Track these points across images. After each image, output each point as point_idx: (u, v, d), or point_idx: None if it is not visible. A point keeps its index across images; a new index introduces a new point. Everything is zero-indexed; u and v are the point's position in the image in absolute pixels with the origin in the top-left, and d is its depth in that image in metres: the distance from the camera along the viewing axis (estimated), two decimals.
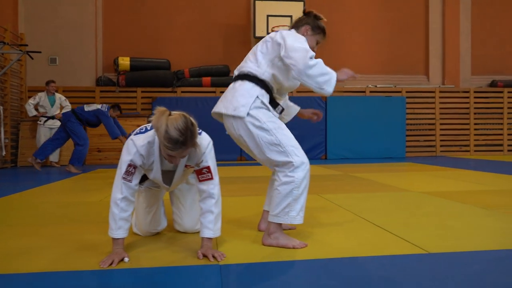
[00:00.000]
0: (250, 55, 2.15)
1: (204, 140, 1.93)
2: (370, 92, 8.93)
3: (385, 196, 3.50)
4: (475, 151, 9.18)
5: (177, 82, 8.46)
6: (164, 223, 2.25)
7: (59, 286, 1.51)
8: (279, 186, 1.96)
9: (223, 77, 8.54)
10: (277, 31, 2.13)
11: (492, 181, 4.26)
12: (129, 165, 1.83)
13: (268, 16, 8.30)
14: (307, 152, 7.57)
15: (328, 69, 2.02)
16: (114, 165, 2.21)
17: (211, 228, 1.85)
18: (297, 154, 2.00)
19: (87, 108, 6.12)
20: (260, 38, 8.67)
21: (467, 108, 9.15)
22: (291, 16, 8.35)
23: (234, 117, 2.02)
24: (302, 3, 8.38)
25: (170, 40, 8.75)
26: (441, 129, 9.09)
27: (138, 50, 8.57)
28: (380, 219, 2.54)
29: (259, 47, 2.12)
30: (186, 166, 1.96)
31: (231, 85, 2.16)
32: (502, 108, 9.23)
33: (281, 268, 1.69)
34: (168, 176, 1.99)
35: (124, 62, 8.18)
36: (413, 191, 3.75)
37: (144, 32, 8.67)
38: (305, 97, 8.48)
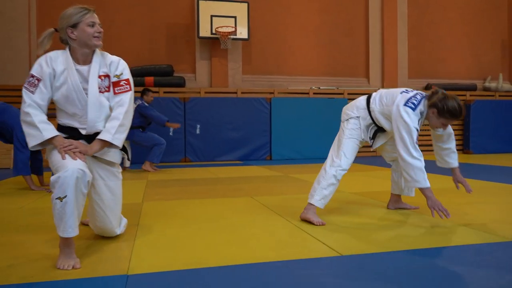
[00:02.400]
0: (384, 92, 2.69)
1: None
2: (314, 93, 9.12)
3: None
4: None
5: None
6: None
7: None
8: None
9: (167, 77, 8.38)
10: (397, 102, 2.52)
11: None
12: (32, 76, 1.90)
13: (212, 16, 8.25)
14: (251, 153, 7.56)
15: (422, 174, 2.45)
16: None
17: (111, 133, 1.91)
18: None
19: None
20: (204, 38, 8.66)
21: None
22: (235, 17, 8.35)
23: None
24: (246, 4, 8.40)
25: (110, 38, 8.44)
26: None
27: None
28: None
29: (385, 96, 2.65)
30: (100, 77, 1.97)
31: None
32: None
33: (193, 276, 1.66)
34: (83, 98, 1.96)
35: None
36: (344, 191, 3.86)
37: None
38: (249, 98, 8.51)
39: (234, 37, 8.37)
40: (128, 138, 6.11)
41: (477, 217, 2.67)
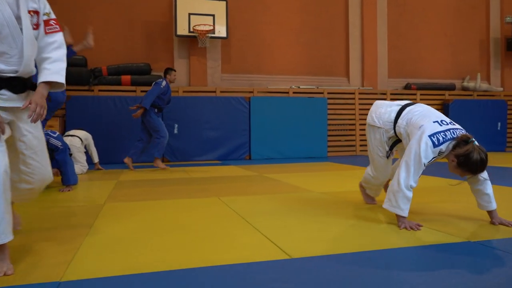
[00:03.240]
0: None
1: None
2: (293, 93, 9.08)
3: (283, 197, 3.51)
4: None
5: (93, 80, 8.04)
6: None
7: None
8: None
9: (144, 76, 8.25)
10: (424, 128, 2.38)
11: None
12: None
13: (190, 14, 8.14)
14: (231, 152, 7.49)
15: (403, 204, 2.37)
16: None
17: (63, 75, 1.86)
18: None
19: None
20: (182, 36, 8.55)
21: None
22: (213, 16, 8.26)
23: None
24: (224, 2, 8.31)
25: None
26: (360, 129, 9.46)
27: None
28: (263, 222, 2.53)
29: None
30: (30, 12, 1.83)
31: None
32: None
33: (127, 282, 1.58)
34: (18, 34, 1.80)
35: None
36: (314, 191, 3.81)
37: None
38: (228, 97, 8.43)
39: (212, 35, 8.29)
40: (142, 115, 6.21)
41: (437, 216, 2.64)
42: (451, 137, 2.32)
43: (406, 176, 2.33)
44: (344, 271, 1.65)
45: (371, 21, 9.71)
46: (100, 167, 6.36)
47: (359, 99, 9.45)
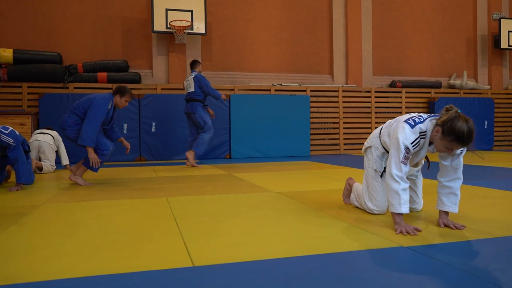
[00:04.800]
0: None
1: None
2: (275, 90, 8.91)
3: (233, 198, 3.34)
4: None
5: (69, 78, 7.87)
6: None
7: None
8: None
9: (121, 73, 8.08)
10: (399, 118, 2.33)
11: None
12: None
13: (167, 10, 7.97)
14: (210, 151, 7.32)
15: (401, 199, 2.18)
16: None
17: None
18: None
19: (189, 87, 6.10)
20: (158, 32, 8.35)
21: (369, 107, 9.43)
22: (191, 11, 8.09)
23: None
24: None
25: (62, 32, 8.13)
26: (344, 128, 9.30)
27: (25, 42, 7.87)
28: (193, 225, 2.36)
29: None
30: None
31: None
32: (400, 107, 9.63)
33: None
34: None
35: (6, 54, 7.45)
36: (271, 191, 3.64)
37: (32, 21, 7.97)
38: None
39: (190, 31, 8.11)
40: (190, 110, 6.05)
41: (379, 217, 2.48)
42: (429, 116, 2.24)
43: (389, 166, 2.21)
44: (238, 282, 1.48)
45: (355, 19, 9.53)
46: (69, 167, 6.17)
47: (343, 97, 9.29)
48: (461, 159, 2.25)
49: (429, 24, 10.19)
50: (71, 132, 4.23)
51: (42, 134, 5.78)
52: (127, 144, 4.59)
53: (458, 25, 10.39)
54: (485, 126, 9.83)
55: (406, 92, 9.66)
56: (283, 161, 7.48)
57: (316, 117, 9.10)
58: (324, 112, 9.18)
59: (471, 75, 10.45)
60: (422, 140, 2.23)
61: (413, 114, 2.32)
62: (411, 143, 2.19)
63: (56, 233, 2.24)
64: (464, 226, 2.21)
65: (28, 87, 7.64)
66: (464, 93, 10.02)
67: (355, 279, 1.50)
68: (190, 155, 6.08)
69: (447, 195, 2.26)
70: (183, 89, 8.41)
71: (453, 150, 2.14)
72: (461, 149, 2.18)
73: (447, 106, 2.18)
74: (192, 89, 6.11)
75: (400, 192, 2.17)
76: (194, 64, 6.37)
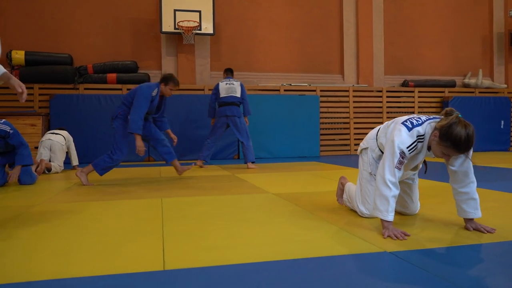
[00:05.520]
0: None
1: None
2: (285, 90, 8.85)
3: (228, 199, 3.31)
4: None
5: (79, 79, 7.96)
6: None
7: None
8: None
9: (130, 74, 8.14)
10: (397, 120, 2.26)
11: None
12: None
13: (175, 10, 7.99)
14: (218, 152, 7.25)
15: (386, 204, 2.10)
16: None
17: None
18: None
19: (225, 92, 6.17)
20: (167, 33, 8.37)
21: (380, 107, 9.28)
22: (199, 12, 8.09)
23: None
24: None
25: (72, 34, 8.23)
26: (355, 128, 9.17)
27: (37, 44, 8.00)
28: (178, 227, 2.33)
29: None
30: None
31: None
32: (413, 107, 9.44)
33: None
34: None
35: (19, 56, 7.58)
36: (269, 192, 3.59)
37: (43, 24, 8.10)
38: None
39: (198, 32, 8.12)
40: (236, 113, 6.21)
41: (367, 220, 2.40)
42: (427, 119, 2.14)
43: (382, 169, 2.11)
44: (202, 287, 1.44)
45: (366, 17, 9.39)
46: (78, 168, 6.23)
47: (354, 96, 9.16)
48: (470, 162, 2.12)
49: (443, 21, 9.96)
50: (117, 123, 4.36)
51: (54, 134, 5.85)
52: (174, 137, 4.72)
53: (473, 23, 10.13)
54: (502, 126, 9.56)
55: (418, 92, 9.47)
56: (291, 161, 7.41)
57: (326, 117, 8.99)
58: (335, 112, 9.07)
59: (487, 73, 10.18)
60: (419, 144, 2.13)
61: (412, 116, 2.23)
62: (407, 147, 2.10)
63: (35, 233, 2.24)
64: (494, 230, 2.11)
65: (40, 88, 7.77)
66: (480, 92, 9.77)
67: (325, 284, 1.44)
68: (252, 165, 6.17)
69: (466, 202, 2.15)
70: (193, 89, 8.45)
71: (450, 156, 2.04)
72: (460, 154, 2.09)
73: (446, 109, 2.08)
74: (237, 94, 6.19)
75: (390, 199, 2.08)
76: (231, 71, 6.45)
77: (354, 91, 9.15)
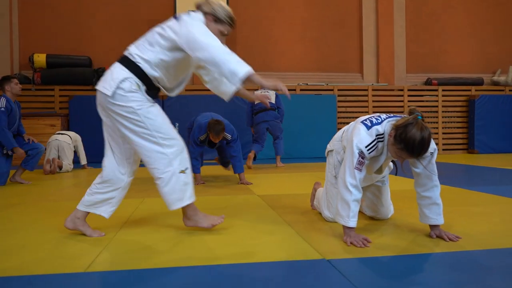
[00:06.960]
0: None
1: None
2: (301, 90, 8.72)
3: (206, 200, 3.27)
4: None
5: (97, 80, 8.18)
6: None
7: None
8: None
9: None
10: (358, 119, 2.16)
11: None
12: None
13: (189, 12, 8.03)
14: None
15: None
16: None
17: None
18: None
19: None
20: None
21: (401, 106, 8.97)
22: None
23: None
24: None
25: (91, 37, 8.47)
26: None
27: (58, 47, 8.29)
28: (138, 228, 2.33)
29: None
30: None
31: None
32: (436, 106, 9.06)
33: None
34: None
35: (40, 59, 7.88)
36: (255, 194, 3.53)
37: (64, 27, 8.38)
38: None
39: None
40: (278, 118, 6.53)
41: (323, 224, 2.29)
42: (387, 117, 2.04)
43: (343, 172, 2.02)
44: None
45: (387, 13, 9.09)
46: (87, 167, 6.40)
47: (373, 95, 8.90)
48: (434, 164, 2.01)
49: (470, 16, 9.49)
50: None
51: (60, 135, 6.06)
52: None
53: (503, 17, 9.59)
54: None
55: (443, 90, 9.07)
56: (306, 162, 7.29)
57: (344, 117, 8.79)
58: (353, 112, 8.84)
59: None
60: (380, 144, 2.02)
61: (372, 115, 2.13)
62: (366, 147, 1.98)
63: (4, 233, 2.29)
64: (459, 238, 1.98)
65: (60, 89, 8.04)
66: (510, 90, 9.23)
67: None
68: (278, 160, 6.70)
69: (428, 207, 2.04)
70: (208, 90, 8.46)
71: (404, 159, 1.92)
72: (431, 151, 1.96)
73: (410, 107, 1.96)
74: (273, 101, 6.52)
75: (350, 203, 1.97)
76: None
77: (373, 90, 8.89)
